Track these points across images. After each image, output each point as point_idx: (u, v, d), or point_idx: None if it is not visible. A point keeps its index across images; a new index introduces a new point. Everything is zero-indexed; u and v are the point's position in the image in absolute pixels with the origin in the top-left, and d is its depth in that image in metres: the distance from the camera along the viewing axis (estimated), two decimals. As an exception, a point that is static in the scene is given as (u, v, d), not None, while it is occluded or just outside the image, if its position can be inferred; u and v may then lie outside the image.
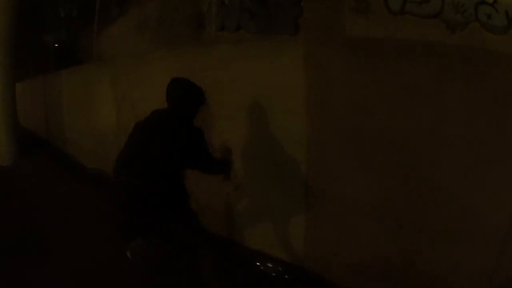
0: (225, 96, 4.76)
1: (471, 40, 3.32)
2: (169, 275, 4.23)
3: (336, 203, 3.84)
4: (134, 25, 11.10)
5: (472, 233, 3.13)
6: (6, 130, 10.20)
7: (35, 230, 5.79)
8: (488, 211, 3.06)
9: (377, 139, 3.46)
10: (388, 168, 3.41)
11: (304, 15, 5.34)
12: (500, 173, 3.02)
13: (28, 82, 16.46)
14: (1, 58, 10.13)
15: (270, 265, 4.47)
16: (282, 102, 4.10)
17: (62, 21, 18.07)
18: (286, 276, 4.46)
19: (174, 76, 5.19)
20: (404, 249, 3.50)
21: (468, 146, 3.16)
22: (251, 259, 4.72)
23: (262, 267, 4.49)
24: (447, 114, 3.10)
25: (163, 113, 3.76)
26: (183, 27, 8.09)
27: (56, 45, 18.23)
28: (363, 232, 3.73)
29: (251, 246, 4.82)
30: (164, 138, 3.56)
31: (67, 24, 17.25)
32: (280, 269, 4.47)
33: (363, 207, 3.63)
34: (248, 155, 4.60)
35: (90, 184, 7.70)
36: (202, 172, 3.92)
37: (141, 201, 3.49)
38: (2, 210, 6.76)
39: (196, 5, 7.80)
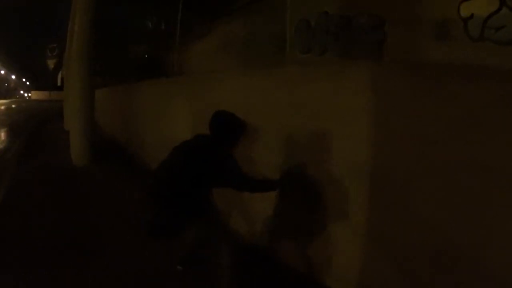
0: (287, 119, 4.83)
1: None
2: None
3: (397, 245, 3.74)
4: (221, 43, 11.48)
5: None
6: (83, 134, 10.72)
7: (87, 232, 5.87)
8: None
9: (441, 172, 3.33)
10: (450, 204, 3.27)
11: (387, 39, 5.35)
12: None
13: (115, 90, 17.11)
14: (81, 66, 10.70)
15: None
16: (342, 127, 4.06)
17: (150, 34, 18.88)
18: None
19: (244, 95, 5.39)
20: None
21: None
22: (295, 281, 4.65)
23: None
24: (506, 147, 2.95)
25: (202, 138, 4.06)
26: (269, 48, 8.29)
27: (144, 56, 19.03)
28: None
29: (298, 268, 4.77)
30: (191, 159, 3.84)
31: (154, 37, 17.98)
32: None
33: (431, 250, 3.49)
34: (302, 179, 4.59)
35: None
36: (240, 191, 4.40)
37: (165, 215, 3.77)
38: (65, 208, 6.99)
39: (282, 27, 7.98)
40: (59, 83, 12.00)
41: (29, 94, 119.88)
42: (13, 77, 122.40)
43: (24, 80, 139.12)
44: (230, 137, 4.05)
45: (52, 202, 7.29)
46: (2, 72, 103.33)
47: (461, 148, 3.04)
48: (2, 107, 46.41)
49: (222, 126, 4.05)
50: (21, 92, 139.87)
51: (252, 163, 5.13)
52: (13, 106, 51.89)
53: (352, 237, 4.00)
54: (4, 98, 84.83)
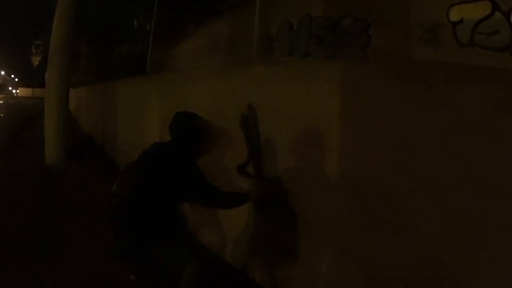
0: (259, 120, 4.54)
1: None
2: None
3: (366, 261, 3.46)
4: (206, 43, 11.40)
5: None
6: (57, 132, 10.61)
7: (57, 229, 5.78)
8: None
9: (424, 186, 3.01)
10: (434, 222, 2.96)
11: (372, 43, 5.17)
12: None
13: (95, 89, 16.97)
14: (58, 64, 10.59)
15: None
16: (315, 133, 3.76)
17: (135, 34, 18.83)
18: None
19: (213, 96, 5.06)
20: None
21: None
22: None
23: None
24: (505, 162, 2.63)
25: (160, 146, 3.70)
26: (253, 50, 8.10)
27: (129, 56, 18.91)
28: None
29: (263, 285, 4.51)
30: (150, 174, 3.45)
31: (140, 37, 17.89)
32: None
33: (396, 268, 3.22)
34: (273, 191, 4.28)
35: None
36: (207, 207, 4.00)
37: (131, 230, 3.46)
38: (30, 206, 6.87)
39: (267, 29, 7.81)
40: (46, 81, 12.02)
41: (17, 91, 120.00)
42: (2, 73, 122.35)
43: (13, 76, 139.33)
44: (193, 143, 3.60)
45: (17, 200, 7.20)
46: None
47: (449, 159, 2.70)
48: (-12, 104, 46.47)
49: (183, 130, 3.61)
50: (10, 88, 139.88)
51: (226, 172, 4.83)
52: (1, 102, 51.93)
53: (323, 255, 3.69)
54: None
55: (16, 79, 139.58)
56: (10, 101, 60.32)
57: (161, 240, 3.46)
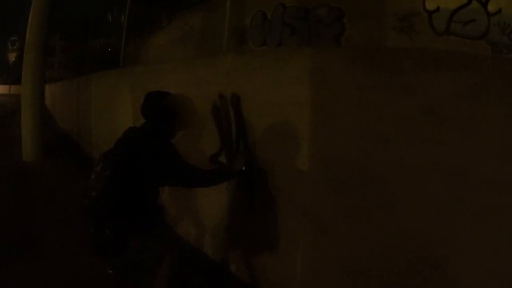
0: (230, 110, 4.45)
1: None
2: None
3: (331, 247, 3.40)
4: (178, 36, 11.33)
5: None
6: (33, 129, 10.55)
7: (35, 226, 5.76)
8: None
9: (393, 175, 2.93)
10: (395, 214, 2.88)
11: (346, 32, 5.10)
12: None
13: (70, 83, 16.74)
14: (33, 60, 10.49)
15: None
16: (285, 122, 3.67)
17: (109, 28, 18.68)
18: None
19: (184, 87, 4.97)
20: None
21: (499, 196, 2.53)
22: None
23: None
24: (478, 149, 2.53)
25: (135, 130, 3.59)
26: (226, 41, 8.02)
27: (102, 50, 18.78)
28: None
29: (243, 279, 4.44)
30: (125, 160, 3.32)
31: (114, 31, 17.76)
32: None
33: (358, 262, 3.15)
34: (246, 179, 4.21)
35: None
36: (189, 188, 3.80)
37: (110, 220, 3.35)
38: (6, 203, 6.81)
39: (240, 19, 7.73)
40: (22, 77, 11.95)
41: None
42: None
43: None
44: (169, 120, 3.45)
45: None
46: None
47: (420, 146, 2.65)
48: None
49: (156, 109, 3.44)
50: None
51: (202, 155, 4.75)
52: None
53: (298, 244, 3.64)
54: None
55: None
56: (-15, 98, 59.80)
57: (139, 234, 3.42)
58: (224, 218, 4.56)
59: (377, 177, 2.89)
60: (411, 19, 4.32)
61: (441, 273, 2.58)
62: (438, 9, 4.04)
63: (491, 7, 3.91)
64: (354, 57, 3.13)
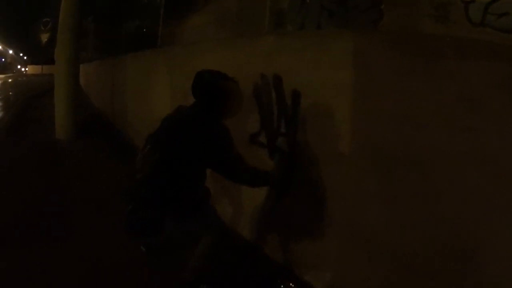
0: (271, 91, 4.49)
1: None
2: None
3: (368, 234, 3.46)
4: (215, 18, 11.33)
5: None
6: (67, 108, 10.68)
7: (66, 206, 5.81)
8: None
9: (430, 162, 2.99)
10: (431, 197, 2.86)
11: (383, 18, 5.15)
12: None
13: (105, 63, 16.95)
14: (67, 40, 10.64)
15: (291, 285, 4.20)
16: (327, 104, 3.66)
17: (144, 10, 18.73)
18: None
19: (223, 67, 5.04)
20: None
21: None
22: (274, 274, 4.40)
23: (282, 285, 4.23)
24: (507, 137, 2.60)
25: (185, 110, 3.50)
26: (263, 24, 8.07)
27: (137, 31, 18.86)
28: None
29: (277, 260, 4.52)
30: (178, 138, 3.27)
31: (149, 13, 17.81)
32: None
33: (394, 242, 3.21)
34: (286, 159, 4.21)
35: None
36: (230, 180, 3.58)
37: (152, 199, 3.28)
38: (39, 181, 6.92)
39: (277, 2, 7.77)
40: (55, 58, 12.00)
41: (26, 69, 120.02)
42: (10, 52, 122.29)
43: (21, 54, 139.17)
44: (218, 105, 3.33)
45: (27, 175, 7.24)
46: (0, 47, 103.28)
47: (457, 134, 2.70)
48: (-2, 82, 46.70)
49: (207, 89, 3.33)
50: (18, 66, 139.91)
51: (241, 134, 4.67)
52: (9, 80, 52.07)
53: (336, 230, 3.67)
54: (1, 73, 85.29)
55: (25, 57, 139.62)
56: (19, 79, 60.52)
57: (183, 220, 3.36)
58: (261, 199, 4.59)
59: (414, 163, 2.93)
60: (447, 8, 4.29)
61: (469, 264, 2.65)
62: (474, 0, 4.06)
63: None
64: (395, 42, 3.18)
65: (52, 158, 8.75)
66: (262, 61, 4.44)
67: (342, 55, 3.48)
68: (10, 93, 29.61)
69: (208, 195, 3.56)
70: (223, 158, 3.26)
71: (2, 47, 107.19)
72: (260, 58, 4.47)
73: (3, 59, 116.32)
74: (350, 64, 3.40)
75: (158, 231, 3.32)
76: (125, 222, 3.33)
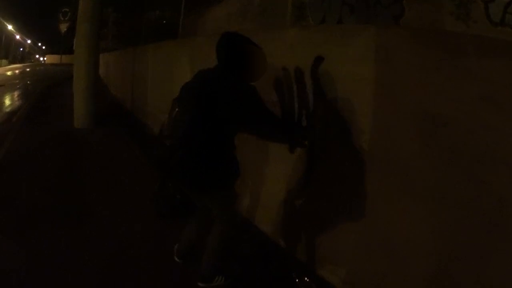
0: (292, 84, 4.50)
1: None
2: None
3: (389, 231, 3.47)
4: (237, 9, 11.36)
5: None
6: (85, 97, 10.84)
7: (86, 193, 5.89)
8: None
9: (449, 160, 3.01)
10: (455, 197, 2.90)
11: (404, 14, 5.17)
12: None
13: (125, 53, 17.07)
14: (86, 30, 10.76)
15: (306, 279, 4.22)
16: (347, 99, 3.68)
17: (165, 1, 18.83)
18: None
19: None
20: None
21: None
22: (289, 267, 4.33)
23: (297, 279, 4.25)
24: None
25: (208, 72, 3.45)
26: (284, 16, 8.13)
27: (157, 22, 18.99)
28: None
29: (293, 254, 4.56)
30: (207, 97, 3.20)
31: (169, 4, 17.87)
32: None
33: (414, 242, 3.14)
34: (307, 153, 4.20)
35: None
36: (262, 137, 3.63)
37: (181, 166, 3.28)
38: (66, 167, 7.11)
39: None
40: (74, 48, 12.11)
41: (45, 58, 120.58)
42: (29, 41, 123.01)
43: (40, 44, 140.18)
44: (241, 64, 3.29)
45: (45, 161, 7.40)
46: (18, 37, 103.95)
47: (476, 133, 2.69)
48: (17, 71, 47.51)
49: (233, 52, 3.31)
50: (37, 56, 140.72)
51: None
52: (28, 70, 52.48)
53: (351, 225, 3.69)
54: (19, 63, 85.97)
55: (43, 47, 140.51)
56: (37, 68, 60.95)
57: (216, 188, 3.32)
58: (279, 192, 4.61)
59: (434, 159, 2.94)
60: (468, 6, 4.29)
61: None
62: (494, -1, 4.06)
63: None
64: (417, 38, 3.19)
65: (71, 147, 8.87)
66: (284, 53, 4.44)
67: (364, 49, 3.48)
68: (28, 82, 29.85)
69: (238, 164, 3.49)
70: (253, 112, 3.24)
71: (20, 37, 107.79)
72: (282, 51, 4.47)
73: (21, 49, 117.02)
74: (373, 59, 3.40)
75: (187, 210, 3.42)
76: (153, 203, 3.40)
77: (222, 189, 3.36)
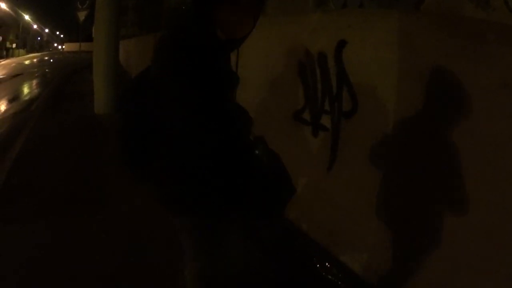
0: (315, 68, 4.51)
1: None
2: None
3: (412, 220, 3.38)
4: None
5: None
6: (105, 82, 11.03)
7: (103, 180, 5.98)
8: None
9: (469, 143, 2.86)
10: (471, 181, 2.84)
11: (425, 0, 5.16)
12: None
13: (145, 40, 17.09)
14: (105, 17, 10.89)
15: (327, 265, 4.25)
16: (370, 84, 3.69)
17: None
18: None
19: (267, 43, 4.99)
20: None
21: None
22: (310, 252, 4.37)
23: (317, 264, 4.29)
24: None
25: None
26: (306, 2, 8.13)
27: (178, 9, 18.99)
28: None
29: (314, 239, 4.54)
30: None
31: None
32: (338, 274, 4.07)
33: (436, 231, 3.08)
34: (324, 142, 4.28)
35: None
36: None
37: None
38: (86, 153, 7.30)
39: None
40: (93, 35, 12.11)
41: (63, 47, 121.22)
42: (46, 30, 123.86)
43: (58, 33, 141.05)
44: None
45: (65, 148, 7.58)
46: (35, 26, 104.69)
47: (497, 121, 2.67)
48: (35, 60, 48.04)
49: None
50: (55, 44, 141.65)
51: (277, 121, 4.91)
52: (46, 58, 52.87)
53: (373, 211, 3.69)
54: (37, 51, 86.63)
55: (62, 36, 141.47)
56: (56, 56, 61.37)
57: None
58: (301, 175, 4.63)
59: (456, 147, 2.93)
60: None
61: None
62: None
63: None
64: (440, 23, 3.20)
65: (92, 132, 9.02)
66: (307, 38, 4.47)
67: (387, 34, 3.49)
68: (47, 70, 30.17)
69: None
70: None
71: (38, 26, 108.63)
72: (306, 35, 4.51)
73: (39, 38, 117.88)
74: (396, 44, 3.41)
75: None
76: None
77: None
